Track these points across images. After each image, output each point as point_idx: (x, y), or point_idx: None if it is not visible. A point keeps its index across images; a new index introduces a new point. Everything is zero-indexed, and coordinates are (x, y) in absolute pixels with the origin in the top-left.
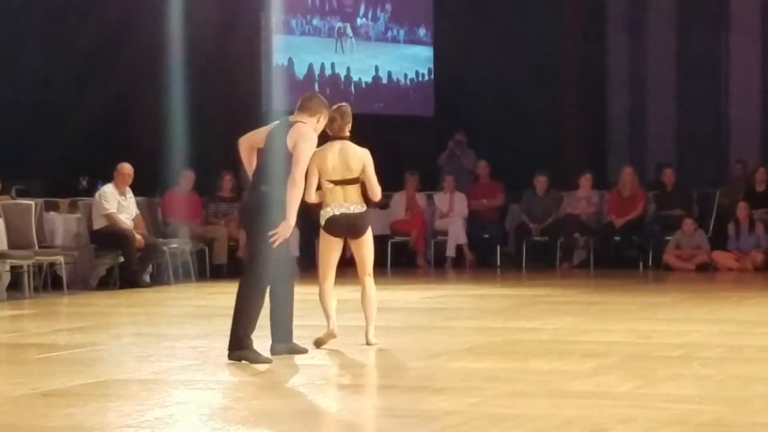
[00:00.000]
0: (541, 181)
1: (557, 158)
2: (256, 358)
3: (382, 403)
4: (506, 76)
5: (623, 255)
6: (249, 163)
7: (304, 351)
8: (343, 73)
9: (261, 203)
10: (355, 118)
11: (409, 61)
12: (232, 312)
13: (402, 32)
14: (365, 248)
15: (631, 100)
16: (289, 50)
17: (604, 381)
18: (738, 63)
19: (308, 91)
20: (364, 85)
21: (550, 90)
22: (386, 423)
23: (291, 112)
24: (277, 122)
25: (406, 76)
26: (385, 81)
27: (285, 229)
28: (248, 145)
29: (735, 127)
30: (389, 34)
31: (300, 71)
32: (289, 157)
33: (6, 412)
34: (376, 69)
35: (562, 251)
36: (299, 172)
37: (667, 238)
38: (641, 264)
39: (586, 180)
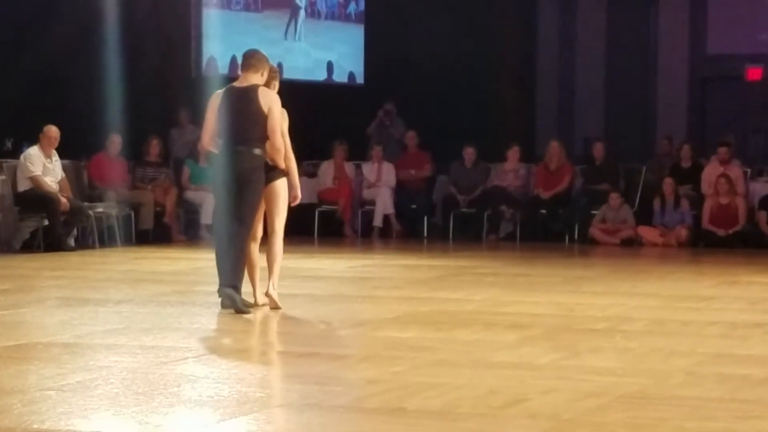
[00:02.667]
0: (469, 153)
1: (486, 130)
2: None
3: (305, 370)
4: (437, 46)
5: (549, 228)
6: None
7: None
8: None
9: (256, 163)
10: (286, 84)
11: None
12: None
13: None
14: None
15: (561, 74)
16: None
17: (527, 352)
18: (666, 39)
19: (249, 49)
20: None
21: (480, 62)
22: (308, 390)
23: (229, 78)
24: (232, 85)
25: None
26: None
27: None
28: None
29: (662, 103)
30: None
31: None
32: (265, 119)
33: None
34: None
35: (489, 223)
36: (281, 139)
37: (594, 212)
38: (567, 237)
39: (514, 153)
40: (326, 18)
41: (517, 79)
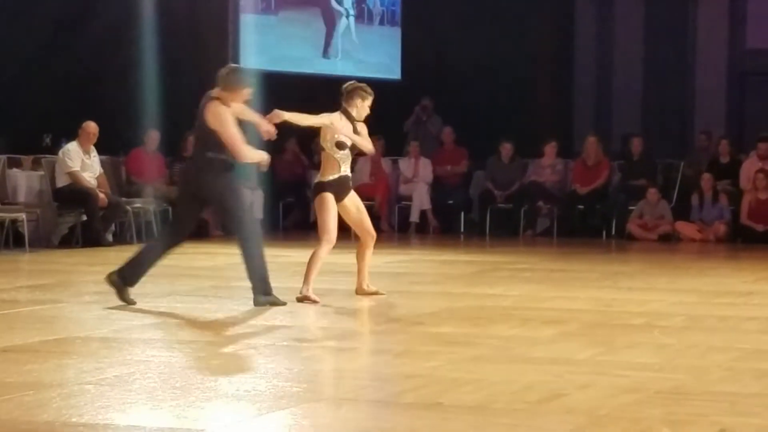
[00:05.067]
0: (506, 148)
1: (523, 125)
2: (276, 301)
3: (342, 365)
4: (475, 42)
5: (586, 224)
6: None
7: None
8: None
9: (215, 168)
10: (323, 81)
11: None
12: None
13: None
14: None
15: (599, 70)
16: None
17: (564, 348)
18: (705, 33)
19: (231, 64)
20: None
21: (518, 58)
22: (345, 385)
23: (260, 73)
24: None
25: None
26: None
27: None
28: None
29: (701, 98)
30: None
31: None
32: (207, 130)
33: None
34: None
35: (526, 219)
36: (236, 147)
37: (631, 207)
38: (604, 233)
39: (551, 148)
40: (367, 20)
41: (554, 74)
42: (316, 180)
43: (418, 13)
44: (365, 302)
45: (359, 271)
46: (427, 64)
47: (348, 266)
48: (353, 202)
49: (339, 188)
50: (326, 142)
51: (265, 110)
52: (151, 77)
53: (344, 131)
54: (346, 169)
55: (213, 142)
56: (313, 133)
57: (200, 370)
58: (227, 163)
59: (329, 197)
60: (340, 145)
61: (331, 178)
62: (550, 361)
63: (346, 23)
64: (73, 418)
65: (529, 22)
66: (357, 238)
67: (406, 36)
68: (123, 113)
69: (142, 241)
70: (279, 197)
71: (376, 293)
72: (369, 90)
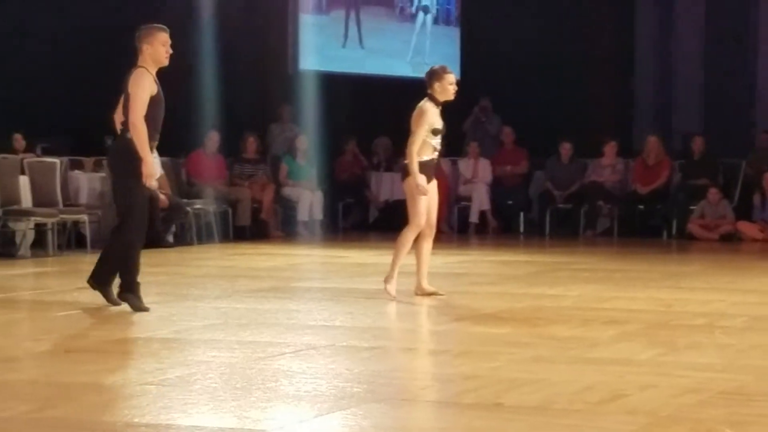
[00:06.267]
0: (566, 148)
1: (582, 125)
2: (138, 306)
3: (402, 366)
4: (533, 43)
5: (647, 223)
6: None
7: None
8: None
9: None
10: (380, 81)
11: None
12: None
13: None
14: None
15: (659, 68)
16: None
17: (625, 348)
18: (766, 31)
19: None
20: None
21: (577, 58)
22: (405, 385)
23: (318, 74)
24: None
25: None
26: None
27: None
28: None
29: (762, 96)
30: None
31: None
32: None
33: (28, 368)
34: None
35: (586, 219)
36: (135, 116)
37: (692, 207)
38: (665, 233)
39: (611, 148)
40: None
41: (614, 73)
42: (403, 164)
43: (476, 13)
44: (424, 302)
45: (418, 269)
46: (485, 63)
47: (406, 267)
48: (432, 190)
49: (429, 171)
50: (420, 128)
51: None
52: (210, 78)
53: (435, 118)
54: (436, 155)
55: None
56: (373, 133)
57: (261, 371)
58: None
59: (422, 178)
60: (435, 132)
61: (425, 158)
62: (611, 361)
63: (421, 21)
64: (135, 418)
65: (589, 20)
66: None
67: (465, 36)
68: (183, 115)
69: (202, 241)
70: (338, 198)
71: (435, 293)
72: (441, 69)
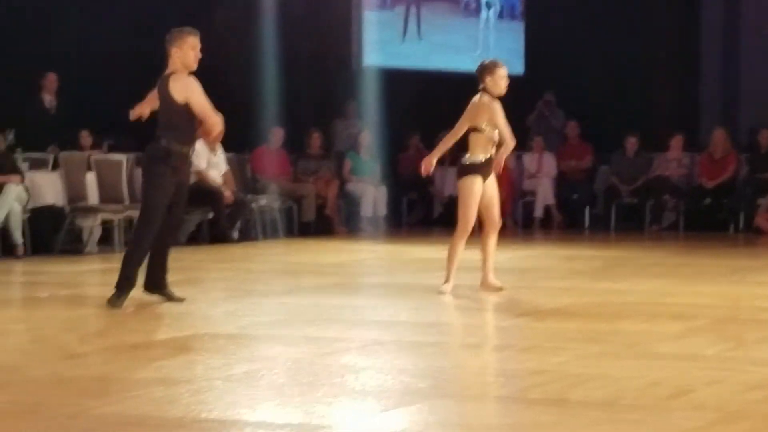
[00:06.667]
0: (631, 143)
1: (648, 119)
2: (113, 302)
3: (467, 361)
4: (597, 36)
5: (713, 218)
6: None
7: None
8: None
9: (158, 154)
10: (443, 76)
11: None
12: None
13: None
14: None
15: (725, 62)
16: None
17: (691, 343)
18: None
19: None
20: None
21: (642, 50)
22: (471, 381)
23: (381, 69)
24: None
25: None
26: None
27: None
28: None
29: None
30: None
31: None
32: (179, 110)
33: (95, 364)
34: None
35: (652, 213)
36: (213, 116)
37: (759, 201)
38: (731, 227)
39: (677, 141)
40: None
41: (680, 66)
42: (466, 161)
43: (540, 7)
44: (489, 298)
45: (484, 264)
46: (549, 58)
47: (469, 262)
48: (490, 185)
49: (488, 169)
50: (483, 122)
51: (387, 106)
52: (274, 75)
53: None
54: (493, 150)
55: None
56: (437, 128)
57: (327, 367)
58: None
59: (479, 182)
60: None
61: (483, 158)
62: (678, 356)
63: (485, 16)
64: (202, 413)
65: (655, 12)
66: (480, 226)
67: (529, 30)
68: (247, 111)
69: (267, 237)
70: (402, 193)
71: (500, 289)
72: (492, 63)
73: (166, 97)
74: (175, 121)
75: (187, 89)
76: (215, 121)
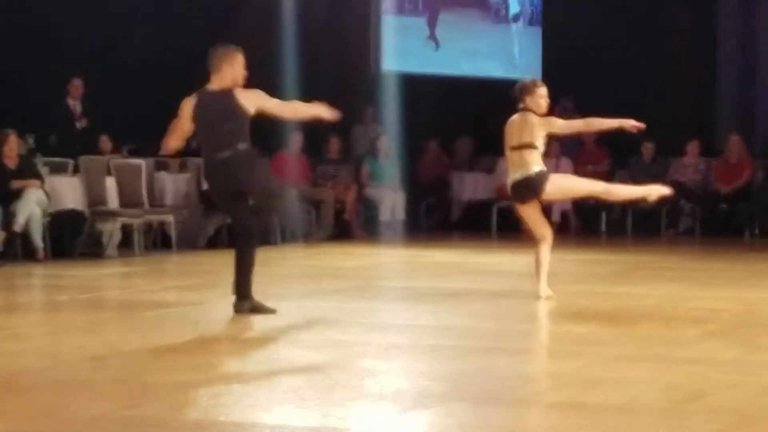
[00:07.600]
0: (647, 148)
1: (664, 125)
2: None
3: (485, 364)
4: (615, 42)
5: (729, 223)
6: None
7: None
8: None
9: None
10: (462, 81)
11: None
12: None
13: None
14: None
15: (741, 67)
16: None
17: (708, 347)
18: None
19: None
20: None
21: (658, 56)
22: (489, 384)
23: (400, 75)
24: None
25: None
26: None
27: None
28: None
29: None
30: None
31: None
32: (248, 121)
33: (115, 367)
34: None
35: (668, 218)
36: (286, 106)
37: None
38: (747, 232)
39: (693, 147)
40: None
41: (696, 72)
42: (536, 171)
43: (558, 13)
44: (507, 302)
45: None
46: (567, 63)
47: (487, 265)
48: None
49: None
50: (540, 138)
51: (406, 112)
52: (293, 80)
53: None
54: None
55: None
56: (455, 133)
57: (345, 370)
58: None
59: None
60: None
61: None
62: (694, 360)
63: (506, 22)
64: (220, 417)
65: (671, 18)
66: (532, 239)
67: (547, 35)
68: (267, 116)
69: (285, 241)
70: (420, 198)
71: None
72: (532, 83)
73: (235, 110)
74: (245, 131)
75: (258, 100)
76: (317, 112)
